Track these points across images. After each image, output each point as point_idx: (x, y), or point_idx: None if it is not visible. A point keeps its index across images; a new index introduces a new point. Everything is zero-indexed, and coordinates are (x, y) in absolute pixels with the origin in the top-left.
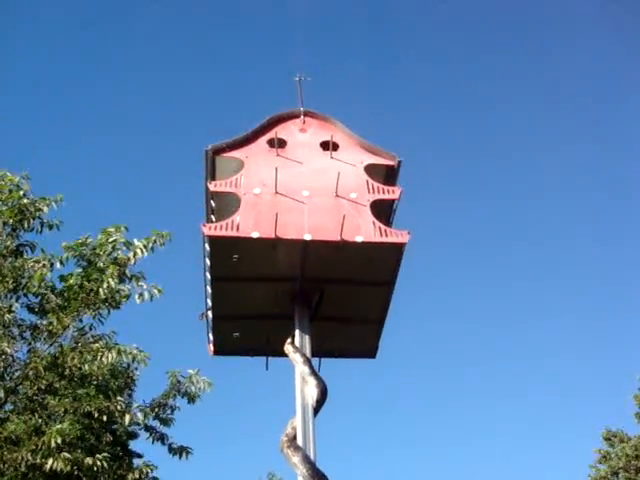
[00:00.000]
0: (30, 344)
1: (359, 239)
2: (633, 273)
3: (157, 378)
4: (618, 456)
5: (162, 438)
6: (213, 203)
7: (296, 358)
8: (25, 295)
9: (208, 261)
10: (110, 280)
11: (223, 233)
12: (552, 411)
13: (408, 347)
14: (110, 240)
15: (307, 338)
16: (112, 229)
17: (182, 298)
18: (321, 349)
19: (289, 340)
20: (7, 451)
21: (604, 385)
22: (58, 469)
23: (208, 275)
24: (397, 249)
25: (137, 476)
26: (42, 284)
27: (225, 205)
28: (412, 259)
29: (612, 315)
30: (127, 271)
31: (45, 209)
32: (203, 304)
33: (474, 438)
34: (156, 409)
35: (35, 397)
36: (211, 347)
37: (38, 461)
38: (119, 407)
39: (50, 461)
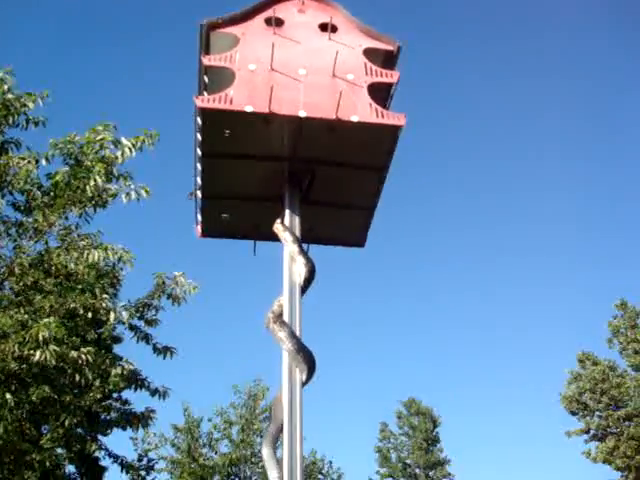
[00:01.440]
0: (15, 241)
1: (354, 119)
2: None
3: (142, 280)
4: (587, 378)
5: (147, 338)
6: (206, 79)
7: (285, 237)
8: (10, 193)
9: (199, 136)
10: (97, 178)
11: (216, 105)
12: (533, 331)
13: (397, 237)
14: (98, 138)
15: (297, 219)
16: (100, 127)
17: (169, 201)
18: (310, 235)
19: (278, 220)
20: None
21: (584, 306)
22: (46, 361)
23: (198, 151)
24: (393, 132)
25: (120, 371)
26: (28, 181)
27: (219, 81)
28: (406, 145)
29: (602, 234)
30: (115, 170)
31: (30, 105)
32: (192, 183)
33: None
34: (141, 309)
35: (21, 293)
36: (199, 228)
37: (26, 353)
38: (104, 305)
39: (38, 353)
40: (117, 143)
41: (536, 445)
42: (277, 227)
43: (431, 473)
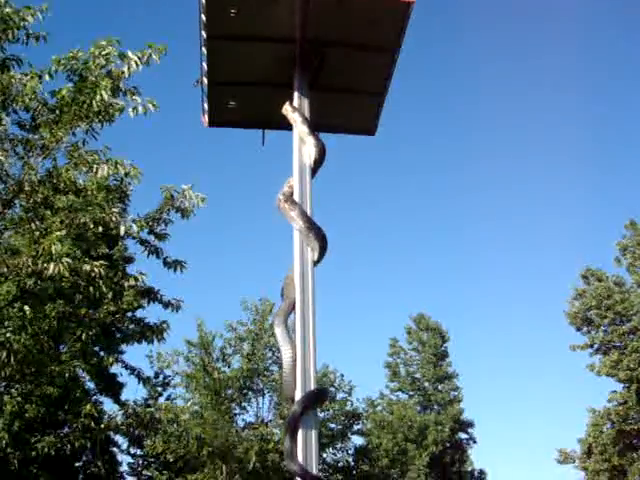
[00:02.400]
0: (23, 158)
1: None
2: None
3: (151, 196)
4: (592, 295)
5: (157, 252)
6: None
7: (294, 117)
8: (15, 112)
9: (204, 17)
10: (103, 93)
11: None
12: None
13: (409, 125)
14: (103, 53)
15: (306, 102)
16: (104, 42)
17: (177, 115)
18: (320, 123)
19: (287, 103)
20: (9, 258)
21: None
22: (59, 273)
23: (203, 33)
24: (404, 8)
25: (133, 283)
26: (33, 98)
27: None
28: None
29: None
30: (121, 84)
31: (30, 19)
32: (198, 70)
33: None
34: (150, 223)
35: (31, 210)
36: (205, 118)
37: (39, 267)
38: (114, 218)
39: (52, 266)
40: (123, 57)
41: (541, 359)
42: (286, 108)
43: (440, 386)
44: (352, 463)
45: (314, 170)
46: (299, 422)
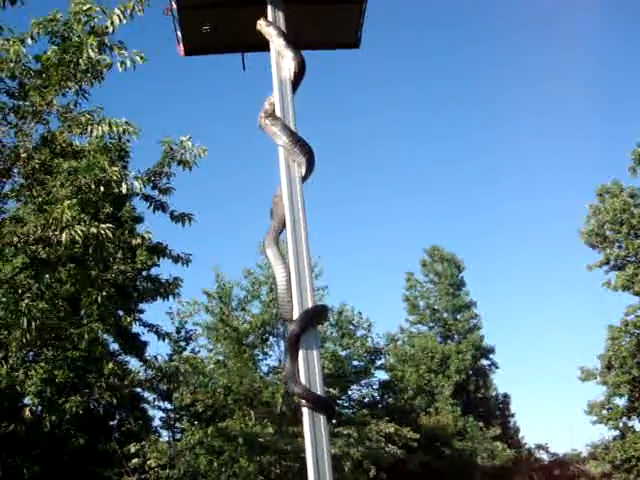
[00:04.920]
0: (16, 126)
1: None
2: None
3: (150, 150)
4: (607, 210)
5: (162, 206)
6: None
7: (269, 32)
8: (1, 80)
9: None
10: (90, 51)
11: None
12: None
13: (393, 36)
14: (84, 9)
15: (281, 15)
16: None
17: (164, 66)
18: (298, 41)
19: (262, 18)
20: (16, 226)
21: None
22: (73, 241)
23: None
24: None
25: (139, 241)
26: (18, 62)
27: None
28: None
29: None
30: (106, 40)
31: None
32: None
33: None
34: (152, 178)
35: (30, 177)
36: (181, 47)
37: (50, 234)
38: (115, 177)
39: (64, 235)
40: (106, 10)
41: (558, 282)
42: (260, 23)
43: (459, 316)
44: (378, 397)
45: (295, 84)
46: (299, 342)
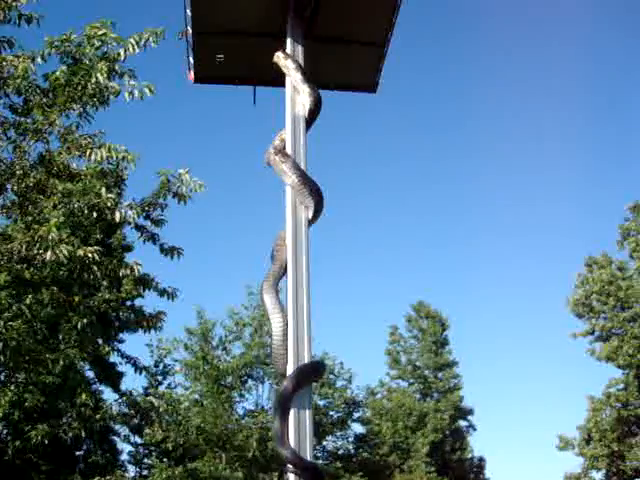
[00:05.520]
0: (15, 142)
1: None
2: None
3: (147, 180)
4: (594, 281)
5: (153, 238)
6: None
7: (287, 65)
8: (7, 95)
9: None
10: (99, 75)
11: None
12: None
13: (411, 81)
14: (99, 34)
15: (300, 50)
16: (98, 24)
17: (174, 100)
18: (317, 81)
19: (280, 51)
20: (1, 243)
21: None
22: (56, 260)
23: None
24: None
25: (128, 272)
26: (25, 82)
27: None
28: None
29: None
30: (117, 67)
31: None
32: (183, 20)
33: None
34: (146, 208)
35: (23, 194)
36: (191, 74)
37: (35, 252)
38: (109, 204)
39: (48, 254)
40: (120, 40)
41: (540, 347)
42: (278, 55)
43: (440, 375)
44: (352, 451)
45: (309, 122)
46: (291, 400)
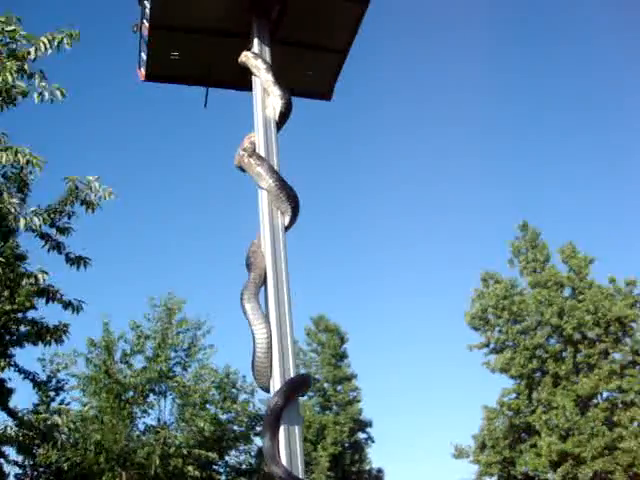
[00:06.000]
0: None
1: None
2: None
3: (53, 186)
4: (490, 295)
5: (59, 247)
6: None
7: (258, 65)
8: None
9: None
10: (8, 75)
11: None
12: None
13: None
14: (7, 29)
15: (267, 50)
16: (2, 18)
17: (84, 104)
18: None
19: (249, 50)
20: None
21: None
22: None
23: None
24: None
25: (33, 281)
26: None
27: None
28: None
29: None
30: (26, 66)
31: None
32: (138, 12)
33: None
34: (52, 215)
35: None
36: (142, 71)
37: None
38: (12, 209)
39: None
40: (31, 38)
41: (441, 359)
42: (247, 55)
43: (339, 388)
44: (255, 466)
45: (279, 125)
46: (281, 417)
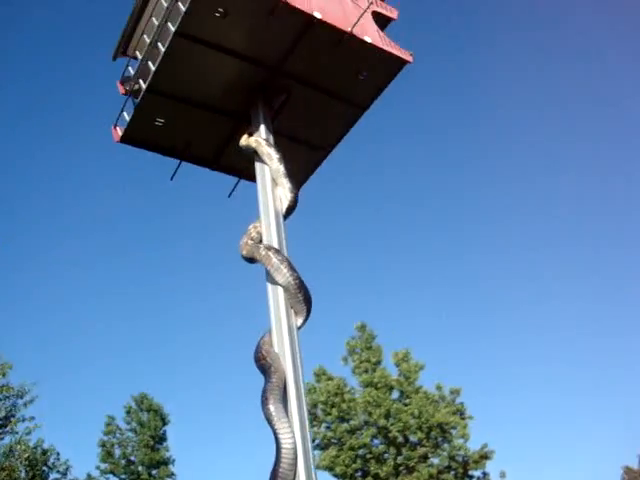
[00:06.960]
0: None
1: (367, 39)
2: None
3: None
4: (321, 391)
5: None
6: None
7: (271, 153)
8: None
9: (182, 6)
10: None
11: None
12: None
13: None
14: None
15: (272, 139)
16: None
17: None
18: (247, 169)
19: (256, 134)
20: None
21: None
22: None
23: (170, 26)
24: (399, 65)
25: None
26: None
27: None
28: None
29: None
30: None
31: None
32: (136, 71)
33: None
34: None
35: None
36: (118, 131)
37: None
38: None
39: None
40: None
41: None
42: (258, 140)
43: (154, 472)
44: None
45: (285, 217)
46: None
